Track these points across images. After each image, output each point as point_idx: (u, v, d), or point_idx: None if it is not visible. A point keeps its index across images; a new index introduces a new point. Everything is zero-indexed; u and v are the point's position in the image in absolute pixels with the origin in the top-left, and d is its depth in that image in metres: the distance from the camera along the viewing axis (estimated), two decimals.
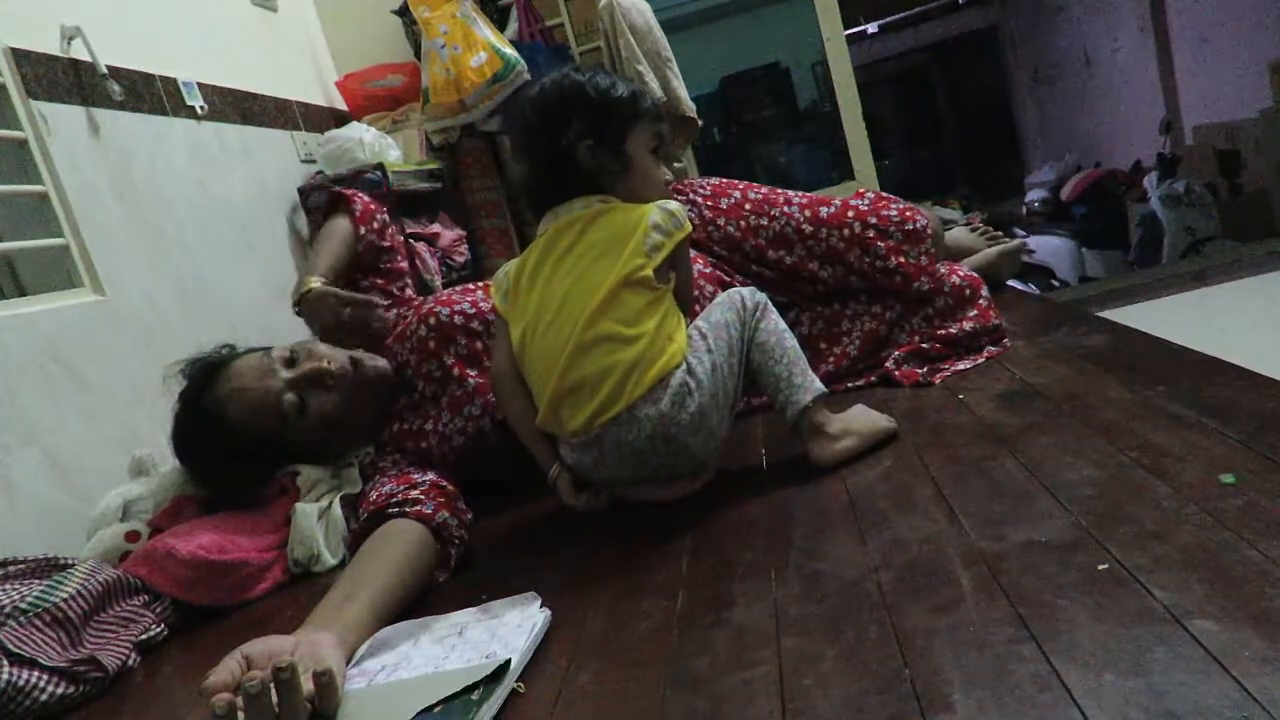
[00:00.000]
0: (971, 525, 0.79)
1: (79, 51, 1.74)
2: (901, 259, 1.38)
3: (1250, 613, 0.56)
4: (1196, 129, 5.49)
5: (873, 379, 1.34)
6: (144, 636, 1.07)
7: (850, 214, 1.41)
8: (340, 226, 1.49)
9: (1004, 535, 0.75)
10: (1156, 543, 0.67)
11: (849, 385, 1.35)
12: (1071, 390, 1.07)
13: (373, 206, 1.53)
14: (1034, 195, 6.17)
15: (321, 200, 2.04)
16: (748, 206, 1.46)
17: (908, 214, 1.41)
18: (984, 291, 1.38)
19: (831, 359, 1.39)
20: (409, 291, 1.53)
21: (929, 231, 1.40)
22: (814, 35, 3.34)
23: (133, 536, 1.23)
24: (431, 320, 1.29)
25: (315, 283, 1.35)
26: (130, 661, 1.03)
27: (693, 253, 1.39)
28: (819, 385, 1.05)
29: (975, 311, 1.35)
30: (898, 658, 0.62)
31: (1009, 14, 8.46)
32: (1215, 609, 0.57)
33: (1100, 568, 0.66)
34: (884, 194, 1.47)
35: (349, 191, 1.54)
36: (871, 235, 1.39)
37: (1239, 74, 4.86)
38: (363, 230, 1.48)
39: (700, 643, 0.72)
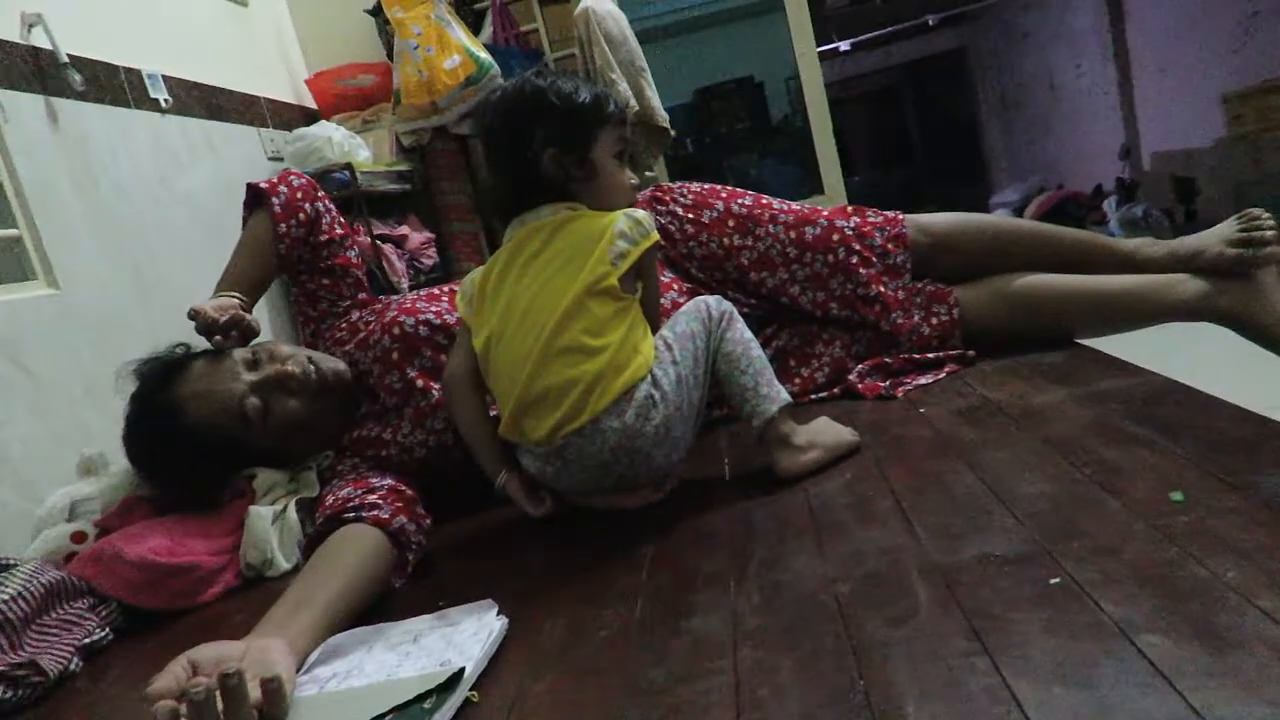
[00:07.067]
0: (929, 538, 0.80)
1: (40, 39, 1.70)
2: (882, 288, 1.36)
3: (1196, 628, 0.57)
4: (1155, 155, 5.64)
5: (836, 391, 1.36)
6: (87, 640, 1.04)
7: (835, 237, 1.38)
8: (258, 227, 1.34)
9: (960, 548, 0.76)
10: (1107, 558, 0.68)
11: (812, 397, 1.36)
12: (1029, 406, 1.08)
13: (298, 197, 1.36)
14: (999, 215, 6.28)
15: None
16: (731, 223, 1.41)
17: (889, 246, 1.38)
18: (956, 334, 1.36)
19: (798, 380, 1.38)
20: (363, 295, 1.41)
21: (907, 267, 1.38)
22: (787, 51, 3.37)
23: (79, 537, 1.20)
24: (395, 330, 1.26)
25: (215, 313, 1.21)
26: (72, 666, 1.00)
27: (668, 276, 1.37)
28: (785, 395, 1.05)
29: (939, 355, 1.35)
30: (853, 669, 0.62)
31: (978, 37, 8.64)
32: (1163, 624, 0.58)
33: (1053, 582, 0.67)
34: (869, 215, 1.42)
35: (269, 183, 1.35)
36: (855, 261, 1.37)
37: (1195, 104, 5.01)
38: (283, 228, 1.33)
39: (658, 652, 0.71)
